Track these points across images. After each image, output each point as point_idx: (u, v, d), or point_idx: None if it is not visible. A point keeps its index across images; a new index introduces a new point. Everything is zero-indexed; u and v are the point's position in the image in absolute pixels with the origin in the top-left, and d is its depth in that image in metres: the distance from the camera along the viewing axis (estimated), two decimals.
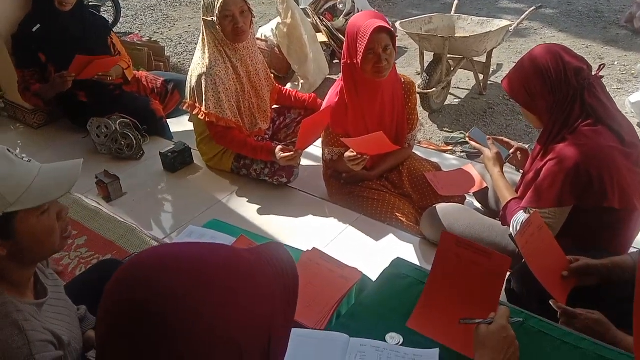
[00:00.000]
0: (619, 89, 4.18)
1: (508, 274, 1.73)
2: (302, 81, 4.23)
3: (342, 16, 4.78)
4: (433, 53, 3.91)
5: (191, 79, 2.60)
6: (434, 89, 3.78)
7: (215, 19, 2.43)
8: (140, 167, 3.01)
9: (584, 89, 1.67)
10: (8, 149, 1.11)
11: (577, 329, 1.37)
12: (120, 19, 6.26)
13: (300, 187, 2.75)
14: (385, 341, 1.33)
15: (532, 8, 4.15)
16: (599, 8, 6.07)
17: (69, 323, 1.28)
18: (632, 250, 1.84)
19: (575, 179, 1.65)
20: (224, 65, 2.54)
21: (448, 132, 3.75)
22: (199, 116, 2.57)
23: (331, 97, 2.40)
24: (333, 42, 4.64)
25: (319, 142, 2.58)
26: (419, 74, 4.28)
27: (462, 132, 3.64)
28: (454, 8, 4.39)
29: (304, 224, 2.48)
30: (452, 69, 3.96)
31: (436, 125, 3.85)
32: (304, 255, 1.85)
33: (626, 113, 3.50)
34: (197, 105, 2.59)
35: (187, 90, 2.65)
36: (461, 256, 1.36)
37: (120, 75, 3.26)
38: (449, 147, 3.49)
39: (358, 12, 4.54)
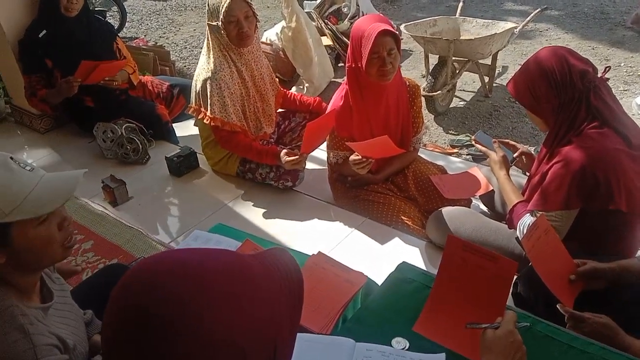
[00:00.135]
0: (626, 90, 4.16)
1: (515, 277, 1.72)
2: (307, 85, 4.23)
3: (346, 19, 4.79)
4: (438, 56, 3.91)
5: (196, 84, 2.61)
6: (439, 92, 3.78)
7: (220, 23, 2.44)
8: (146, 172, 3.02)
9: (590, 91, 1.66)
10: (11, 157, 1.10)
11: (585, 333, 1.36)
12: (126, 24, 6.28)
13: (306, 191, 2.75)
14: (391, 346, 1.32)
15: (538, 10, 4.14)
16: (605, 9, 6.05)
17: (74, 327, 1.28)
18: (639, 253, 1.83)
19: (582, 182, 1.64)
20: (229, 69, 2.55)
21: (454, 134, 3.74)
22: (204, 120, 2.58)
23: (336, 100, 2.41)
24: (338, 46, 4.64)
25: (324, 145, 2.57)
26: (424, 77, 4.28)
27: (468, 134, 3.63)
28: (458, 10, 4.39)
29: (310, 228, 2.48)
30: (457, 71, 3.96)
31: (442, 128, 3.84)
32: (309, 260, 1.84)
33: (632, 115, 3.48)
34: (203, 109, 2.59)
35: (193, 94, 2.66)
36: (467, 260, 1.36)
37: (126, 80, 3.27)
38: (455, 150, 3.49)
39: (362, 15, 4.56)
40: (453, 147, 3.55)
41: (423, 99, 3.65)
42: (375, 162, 2.34)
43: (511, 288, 1.50)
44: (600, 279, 1.54)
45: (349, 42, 2.32)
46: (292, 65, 4.26)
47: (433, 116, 3.96)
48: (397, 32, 2.21)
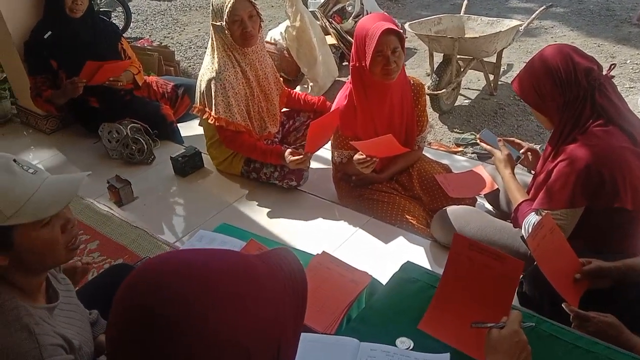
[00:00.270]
0: (631, 87, 4.13)
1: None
2: (311, 84, 4.23)
3: (350, 18, 4.78)
4: (443, 54, 3.90)
5: (201, 84, 2.61)
6: (443, 90, 3.77)
7: (224, 23, 2.45)
8: (151, 172, 3.03)
9: (595, 89, 1.66)
10: (14, 159, 1.10)
11: (590, 332, 1.36)
12: (131, 24, 6.31)
13: (310, 190, 2.75)
14: (396, 346, 1.32)
15: (543, 7, 4.12)
16: (611, 6, 6.01)
17: (80, 327, 1.29)
18: None
19: (587, 180, 1.63)
20: (233, 69, 2.55)
21: (458, 133, 3.73)
22: (209, 120, 2.59)
23: (340, 99, 2.40)
24: (342, 45, 4.64)
25: (328, 145, 2.58)
26: (428, 75, 4.27)
27: (473, 133, 3.62)
28: (463, 8, 4.37)
29: (314, 227, 2.48)
30: (462, 69, 3.94)
31: (446, 127, 3.84)
32: (313, 259, 1.84)
33: (638, 112, 3.46)
34: (207, 109, 2.60)
35: (197, 94, 2.66)
36: (474, 259, 1.35)
37: (131, 81, 3.29)
38: (460, 149, 3.48)
39: (367, 14, 4.54)
40: (458, 145, 3.54)
41: (428, 97, 3.65)
42: (380, 161, 2.34)
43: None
44: (605, 277, 1.54)
45: (353, 41, 2.32)
46: (297, 64, 4.26)
47: (438, 115, 3.95)
48: (401, 31, 2.20)
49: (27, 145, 3.49)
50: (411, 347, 1.32)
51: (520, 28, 3.98)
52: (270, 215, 2.59)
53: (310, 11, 4.36)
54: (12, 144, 3.47)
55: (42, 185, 1.10)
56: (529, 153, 2.10)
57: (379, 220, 2.42)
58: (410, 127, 2.47)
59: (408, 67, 4.83)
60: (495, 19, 4.16)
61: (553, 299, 1.49)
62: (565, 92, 1.69)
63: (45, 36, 3.06)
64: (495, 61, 4.12)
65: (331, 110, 2.44)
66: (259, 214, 2.59)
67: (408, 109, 2.42)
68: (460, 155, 3.33)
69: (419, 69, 4.83)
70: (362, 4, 4.83)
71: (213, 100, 2.54)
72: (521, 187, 1.92)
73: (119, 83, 3.12)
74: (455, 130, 3.78)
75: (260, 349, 0.63)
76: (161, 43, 5.58)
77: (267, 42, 4.34)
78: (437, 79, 3.79)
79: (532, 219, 1.76)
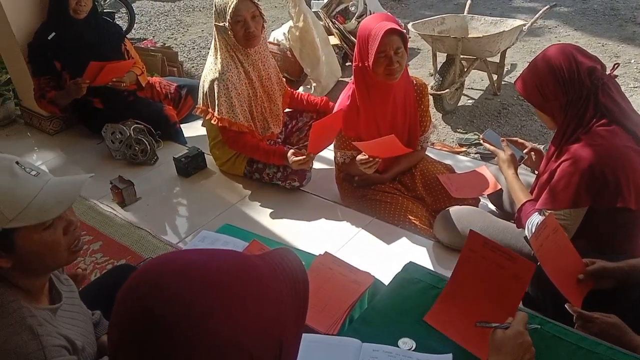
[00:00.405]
0: (636, 87, 4.12)
1: None
2: (314, 84, 4.23)
3: (354, 19, 4.78)
4: (446, 54, 3.89)
5: (204, 84, 2.62)
6: (447, 90, 3.76)
7: (227, 24, 2.45)
8: (154, 172, 3.03)
9: (598, 88, 1.65)
10: (17, 162, 1.10)
11: (593, 333, 1.35)
12: (135, 25, 6.32)
13: (313, 191, 2.75)
14: (398, 346, 1.32)
15: (546, 7, 4.11)
16: (615, 6, 5.99)
17: (83, 328, 1.29)
18: None
19: (590, 180, 1.63)
20: (236, 70, 2.56)
21: (462, 133, 3.73)
22: (212, 121, 2.59)
23: (343, 100, 2.40)
24: (345, 45, 4.64)
25: (331, 145, 2.57)
26: (431, 75, 4.26)
27: (476, 133, 3.61)
28: (466, 8, 4.37)
29: (317, 228, 2.48)
30: (466, 69, 3.94)
31: (450, 127, 3.83)
32: (316, 260, 1.85)
33: None
34: (210, 110, 2.60)
35: (200, 95, 2.67)
36: (487, 257, 1.36)
37: (134, 81, 3.29)
38: (463, 149, 3.47)
39: (370, 14, 4.54)
40: (461, 145, 3.53)
41: (431, 97, 3.64)
42: (383, 161, 2.34)
43: None
44: (609, 278, 1.53)
45: (355, 41, 2.32)
46: (300, 64, 4.26)
47: (441, 115, 3.94)
48: (404, 31, 2.20)
49: (30, 146, 3.51)
50: (413, 348, 1.32)
51: (523, 28, 3.98)
52: (273, 215, 2.59)
53: (313, 12, 4.37)
54: (16, 145, 3.48)
55: (45, 187, 1.10)
56: (533, 153, 2.10)
57: (382, 220, 2.42)
58: (413, 128, 2.46)
59: (411, 67, 4.82)
60: (498, 18, 4.15)
61: (556, 299, 1.49)
62: (569, 92, 1.68)
63: (49, 37, 3.07)
64: (498, 61, 4.11)
65: (334, 112, 2.44)
66: (261, 215, 2.60)
67: (411, 109, 2.42)
68: (463, 155, 3.32)
69: (422, 69, 4.83)
70: (365, 4, 4.83)
71: (216, 101, 2.54)
72: (524, 188, 1.92)
73: (122, 84, 3.12)
74: (458, 130, 3.78)
75: (261, 350, 0.63)
76: (164, 44, 5.59)
77: (270, 42, 4.34)
78: (441, 79, 3.78)
79: (535, 219, 1.76)
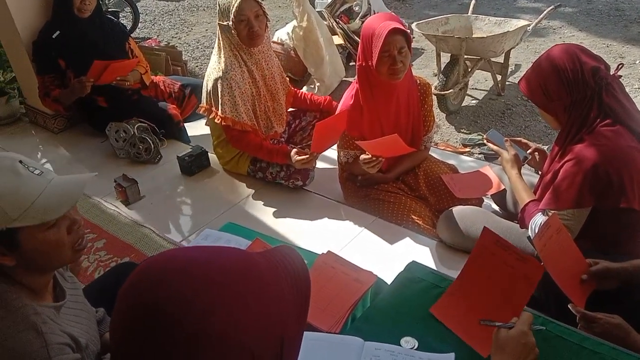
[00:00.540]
0: None
1: None
2: (318, 84, 4.23)
3: (358, 18, 4.78)
4: (450, 54, 3.89)
5: (207, 83, 2.62)
6: (451, 90, 3.76)
7: (230, 23, 2.45)
8: (158, 171, 3.04)
9: (602, 88, 1.65)
10: (21, 161, 1.09)
11: (597, 333, 1.35)
12: (139, 25, 6.34)
13: (316, 190, 2.75)
14: (400, 345, 1.32)
15: (551, 7, 4.10)
16: (620, 6, 5.97)
17: (87, 325, 1.29)
18: None
19: (594, 180, 1.62)
20: (240, 69, 2.56)
21: (466, 133, 3.72)
22: (215, 120, 2.59)
23: (346, 99, 2.40)
24: (349, 45, 4.64)
25: (334, 144, 2.57)
26: (435, 75, 4.25)
27: (480, 133, 3.60)
28: (471, 8, 4.36)
29: (320, 227, 2.48)
30: (470, 69, 3.93)
31: (453, 127, 3.82)
32: (319, 259, 1.84)
33: None
34: (214, 109, 2.60)
35: (204, 94, 2.67)
36: (498, 255, 1.36)
37: (138, 80, 3.30)
38: (467, 149, 3.47)
39: (374, 14, 4.54)
40: (465, 146, 3.53)
41: (435, 97, 3.64)
42: (386, 161, 2.34)
43: None
44: (612, 278, 1.53)
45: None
46: (304, 64, 4.26)
47: (445, 115, 3.94)
48: (408, 31, 2.20)
49: (35, 144, 3.52)
50: (415, 347, 1.32)
51: (528, 28, 3.97)
52: (276, 214, 2.59)
53: (317, 11, 4.37)
54: (20, 143, 3.49)
55: (48, 186, 1.10)
56: (536, 153, 2.09)
57: (385, 220, 2.42)
58: (417, 127, 2.46)
59: (415, 67, 4.82)
60: (503, 19, 4.14)
61: (559, 299, 1.48)
62: (572, 92, 1.68)
63: (54, 36, 3.08)
64: (502, 61, 4.10)
65: (338, 112, 2.44)
66: (264, 214, 2.60)
67: (414, 109, 2.42)
68: (467, 155, 3.32)
69: (426, 69, 4.82)
70: (369, 4, 4.82)
71: (220, 100, 2.54)
72: (528, 188, 1.91)
73: (126, 83, 3.13)
74: (462, 130, 3.77)
75: (263, 347, 0.63)
76: (169, 43, 5.61)
77: (274, 42, 4.35)
78: (445, 79, 3.78)
79: (538, 219, 1.76)
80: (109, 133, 3.11)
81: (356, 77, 2.34)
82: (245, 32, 2.47)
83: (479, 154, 3.40)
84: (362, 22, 4.60)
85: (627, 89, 1.75)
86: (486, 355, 1.16)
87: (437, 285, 1.50)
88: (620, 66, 1.76)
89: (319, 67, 4.17)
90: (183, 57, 4.77)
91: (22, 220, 1.05)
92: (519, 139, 2.15)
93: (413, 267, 1.60)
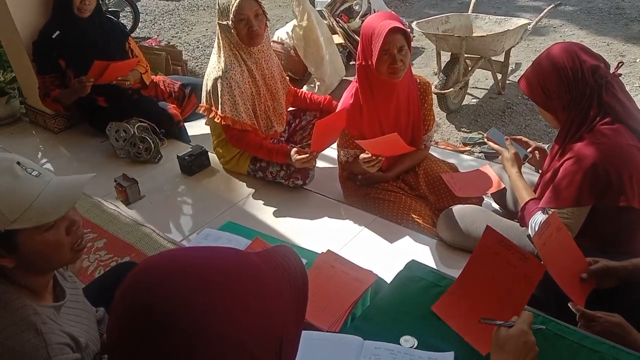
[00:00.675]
0: None
1: None
2: (318, 83, 4.23)
3: (358, 17, 4.77)
4: (450, 53, 3.88)
5: (207, 83, 2.62)
6: (451, 89, 3.75)
7: (230, 22, 2.45)
8: (158, 171, 3.04)
9: (601, 87, 1.65)
10: (19, 162, 1.09)
11: (596, 332, 1.34)
12: (139, 24, 6.34)
13: (316, 189, 2.75)
14: (400, 344, 1.32)
15: (551, 6, 4.09)
16: (620, 5, 5.97)
17: (86, 325, 1.29)
18: None
19: (594, 179, 1.62)
20: (240, 68, 2.56)
21: (466, 132, 3.72)
22: (215, 119, 2.59)
23: (346, 98, 2.40)
24: (349, 44, 4.64)
25: (334, 144, 2.57)
26: (435, 74, 4.25)
27: (480, 132, 3.60)
28: (471, 7, 4.36)
29: (320, 226, 2.48)
30: (470, 68, 3.93)
31: (454, 126, 3.82)
32: (318, 258, 1.84)
33: None
34: (213, 108, 2.61)
35: (203, 93, 2.67)
36: (500, 254, 1.36)
37: (139, 80, 3.30)
38: (467, 148, 3.46)
39: (374, 13, 4.53)
40: (465, 144, 3.52)
41: (435, 96, 3.64)
42: (386, 160, 2.33)
43: None
44: (612, 277, 1.52)
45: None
46: (304, 63, 4.26)
47: (445, 114, 3.94)
48: (408, 30, 2.19)
49: (35, 144, 3.52)
50: (415, 346, 1.32)
51: (528, 27, 3.96)
52: (276, 214, 2.59)
53: (317, 10, 4.37)
54: (20, 143, 3.49)
55: (46, 188, 1.09)
56: (537, 152, 2.09)
57: (385, 219, 2.42)
58: (417, 126, 2.46)
59: (415, 66, 4.82)
60: (503, 17, 4.14)
61: (559, 298, 1.48)
62: (572, 90, 1.68)
63: (54, 36, 3.08)
64: (503, 60, 4.10)
65: (337, 110, 2.43)
66: (264, 213, 2.60)
67: (414, 108, 2.41)
68: (467, 154, 3.32)
69: (426, 68, 4.82)
70: (370, 3, 4.82)
71: (219, 99, 2.54)
72: (528, 186, 1.91)
73: (126, 82, 3.13)
74: (462, 129, 3.77)
75: (262, 347, 0.63)
76: (169, 43, 5.61)
77: (274, 41, 4.34)
78: (445, 78, 3.77)
79: (538, 217, 1.76)
80: (109, 133, 3.11)
81: (356, 76, 2.34)
82: (244, 31, 2.47)
83: (479, 152, 3.40)
84: (362, 21, 4.60)
85: (627, 88, 1.75)
86: (485, 354, 1.15)
87: (437, 284, 1.50)
88: (620, 64, 1.76)
89: (319, 67, 4.17)
90: (183, 57, 4.77)
91: (20, 222, 1.04)
92: (519, 137, 2.15)
93: (413, 266, 1.60)
